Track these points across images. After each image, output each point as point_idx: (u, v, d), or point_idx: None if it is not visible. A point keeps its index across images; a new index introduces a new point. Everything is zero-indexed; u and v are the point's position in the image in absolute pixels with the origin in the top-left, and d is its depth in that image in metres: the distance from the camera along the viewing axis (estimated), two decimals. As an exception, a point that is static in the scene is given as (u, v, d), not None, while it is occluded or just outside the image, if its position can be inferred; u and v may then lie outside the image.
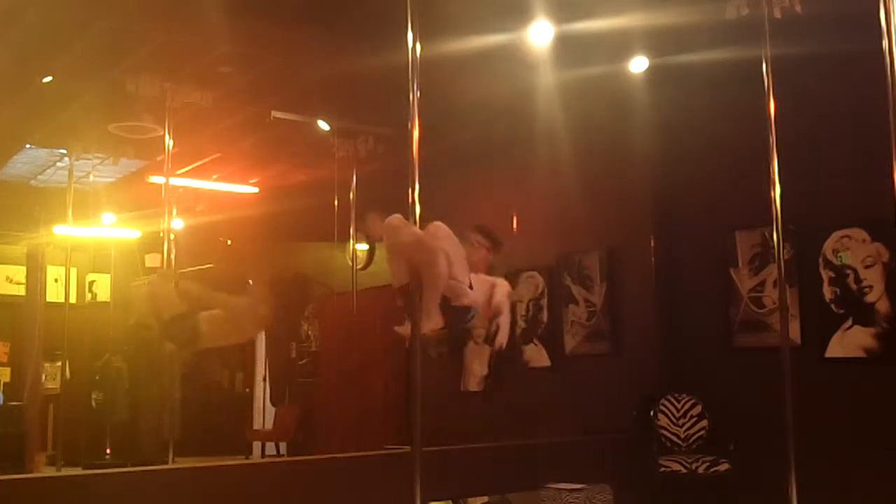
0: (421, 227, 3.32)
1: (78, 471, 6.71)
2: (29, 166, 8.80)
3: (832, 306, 5.33)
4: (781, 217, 4.34)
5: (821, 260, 5.40)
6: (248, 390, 10.97)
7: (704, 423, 5.75)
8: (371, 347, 8.58)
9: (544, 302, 7.25)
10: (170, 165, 6.23)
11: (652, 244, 6.44)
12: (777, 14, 4.34)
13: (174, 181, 6.88)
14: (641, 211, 6.54)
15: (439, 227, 3.41)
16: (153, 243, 8.33)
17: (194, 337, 4.84)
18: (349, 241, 7.76)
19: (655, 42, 5.54)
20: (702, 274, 6.17)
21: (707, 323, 6.08)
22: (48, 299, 9.41)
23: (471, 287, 3.49)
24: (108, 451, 9.54)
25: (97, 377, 10.12)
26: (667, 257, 6.40)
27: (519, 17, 5.04)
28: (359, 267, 8.13)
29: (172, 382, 7.77)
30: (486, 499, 5.59)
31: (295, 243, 10.22)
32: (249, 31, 5.36)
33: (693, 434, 5.73)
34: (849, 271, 5.27)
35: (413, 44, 3.54)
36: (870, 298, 5.16)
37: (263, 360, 10.71)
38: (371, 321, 8.56)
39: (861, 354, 5.17)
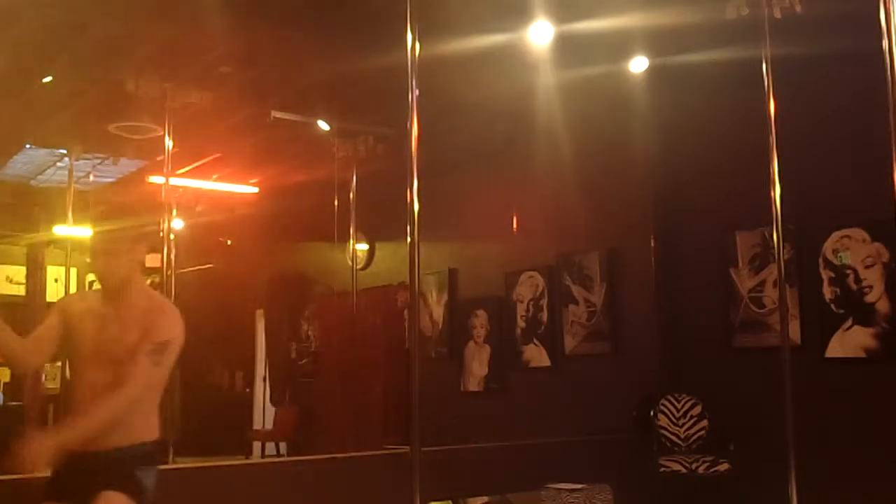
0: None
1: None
2: (29, 166, 8.80)
3: (832, 306, 5.33)
4: (781, 217, 4.35)
5: (821, 260, 5.39)
6: (248, 390, 10.96)
7: (704, 423, 5.75)
8: (371, 347, 8.58)
9: (544, 302, 7.25)
10: (170, 166, 6.23)
11: (652, 244, 6.43)
12: (777, 14, 4.35)
13: (174, 181, 6.88)
14: (641, 211, 6.53)
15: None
16: (153, 243, 8.31)
17: None
18: (349, 241, 7.77)
19: (655, 42, 5.54)
20: (702, 274, 6.17)
21: (707, 323, 6.07)
22: (48, 299, 9.42)
23: None
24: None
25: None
26: (667, 257, 6.40)
27: (519, 17, 5.04)
28: (359, 267, 8.15)
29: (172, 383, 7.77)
30: (486, 499, 5.58)
31: (295, 243, 10.22)
32: (249, 31, 5.36)
33: (693, 434, 5.73)
34: (849, 271, 5.26)
35: (413, 44, 3.55)
36: (870, 298, 5.15)
37: (263, 360, 10.71)
38: (371, 321, 8.57)
39: (861, 354, 5.17)
